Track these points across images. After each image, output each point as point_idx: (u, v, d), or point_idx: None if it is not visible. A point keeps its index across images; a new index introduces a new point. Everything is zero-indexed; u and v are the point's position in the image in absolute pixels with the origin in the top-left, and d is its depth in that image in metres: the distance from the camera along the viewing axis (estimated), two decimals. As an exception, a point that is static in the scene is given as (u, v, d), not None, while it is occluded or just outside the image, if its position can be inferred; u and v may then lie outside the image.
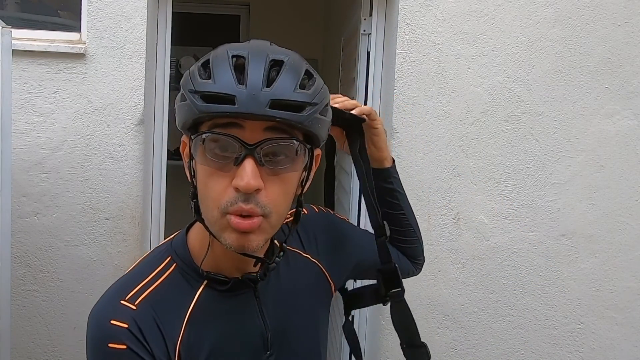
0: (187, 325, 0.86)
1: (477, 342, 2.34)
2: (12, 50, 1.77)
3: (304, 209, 1.00)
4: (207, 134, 0.78)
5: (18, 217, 2.14)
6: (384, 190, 1.17)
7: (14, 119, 1.93)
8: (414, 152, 2.24)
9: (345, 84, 2.97)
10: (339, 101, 1.09)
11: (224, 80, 0.77)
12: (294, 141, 0.79)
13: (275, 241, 0.94)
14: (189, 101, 0.78)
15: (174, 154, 4.22)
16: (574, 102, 2.27)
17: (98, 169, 2.18)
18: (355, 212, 2.42)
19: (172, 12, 2.28)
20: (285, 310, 0.95)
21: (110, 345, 0.80)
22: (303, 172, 0.85)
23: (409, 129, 2.23)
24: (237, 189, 0.77)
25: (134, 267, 0.93)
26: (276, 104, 0.76)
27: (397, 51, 2.20)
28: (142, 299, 0.85)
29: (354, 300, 1.21)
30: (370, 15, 2.35)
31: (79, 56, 2.14)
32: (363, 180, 1.09)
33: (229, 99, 0.75)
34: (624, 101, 2.28)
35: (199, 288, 0.88)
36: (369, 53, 2.36)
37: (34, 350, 2.22)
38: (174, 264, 0.90)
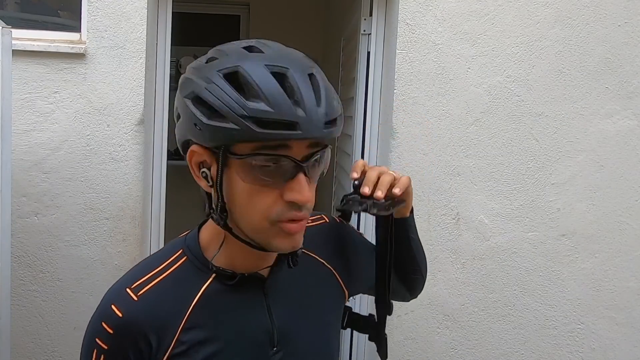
0: (191, 315, 0.88)
1: (477, 342, 2.34)
2: (12, 50, 1.77)
3: (325, 218, 1.07)
4: (252, 156, 0.78)
5: (18, 217, 2.14)
6: (399, 238, 1.11)
7: (14, 119, 1.93)
8: (414, 152, 2.24)
9: (345, 84, 2.97)
10: (372, 179, 0.97)
11: (280, 104, 0.76)
12: (329, 148, 0.84)
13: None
14: (237, 126, 0.76)
15: (174, 154, 4.23)
16: (574, 102, 2.27)
17: (98, 169, 2.18)
18: (355, 212, 2.41)
19: (172, 12, 2.29)
20: (295, 309, 0.96)
21: (102, 323, 0.87)
22: None
23: (409, 129, 2.23)
24: (291, 202, 0.80)
25: (150, 256, 0.97)
26: (329, 122, 0.79)
27: (397, 51, 2.20)
28: (147, 289, 0.88)
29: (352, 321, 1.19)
30: (370, 15, 2.35)
31: (79, 56, 2.14)
32: (384, 259, 1.08)
33: (290, 125, 0.76)
34: (624, 101, 2.28)
35: (207, 280, 0.90)
36: (369, 53, 2.36)
37: (34, 350, 2.22)
38: (185, 257, 0.92)
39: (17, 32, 2.05)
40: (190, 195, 4.34)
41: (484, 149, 2.26)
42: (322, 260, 1.03)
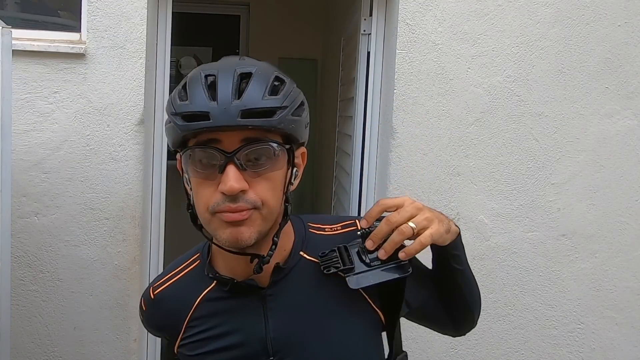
0: (192, 315, 0.98)
1: (477, 342, 2.34)
2: (12, 50, 1.77)
3: (358, 224, 0.99)
4: (189, 150, 0.86)
5: (18, 217, 2.14)
6: (440, 266, 1.03)
7: (14, 119, 1.93)
8: (414, 152, 2.24)
9: (345, 84, 2.97)
10: (381, 232, 0.91)
11: (198, 99, 0.84)
12: (271, 144, 0.85)
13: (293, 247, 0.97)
14: (172, 123, 0.87)
15: (174, 154, 4.23)
16: (574, 102, 2.27)
17: (98, 169, 2.18)
18: (355, 212, 2.42)
19: (172, 12, 2.29)
20: (302, 320, 0.94)
21: (139, 311, 1.08)
22: (288, 169, 0.90)
23: (409, 129, 2.23)
24: (223, 193, 0.84)
25: (180, 256, 1.07)
26: (247, 113, 0.83)
27: (397, 51, 2.20)
28: (162, 289, 1.02)
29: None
30: (370, 15, 2.35)
31: (79, 56, 2.14)
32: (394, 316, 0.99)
33: (204, 116, 0.83)
34: (624, 101, 2.28)
35: (209, 285, 0.97)
36: (369, 53, 2.36)
37: (34, 350, 2.22)
38: (198, 261, 1.01)
39: (17, 32, 2.05)
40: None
41: (484, 149, 2.26)
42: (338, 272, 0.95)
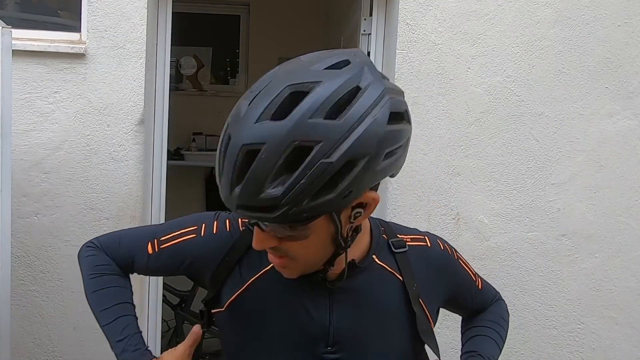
0: (267, 271, 0.96)
1: (477, 342, 2.34)
2: (12, 50, 1.77)
3: (427, 241, 1.06)
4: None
5: (18, 217, 2.14)
6: None
7: (14, 119, 1.93)
8: (414, 152, 2.23)
9: (345, 84, 2.96)
10: None
11: (217, 171, 0.81)
12: (280, 226, 0.81)
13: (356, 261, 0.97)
14: None
15: (174, 154, 4.23)
16: (574, 102, 2.27)
17: (98, 169, 2.18)
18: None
19: (172, 12, 2.29)
20: (365, 319, 0.97)
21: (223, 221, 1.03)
22: (332, 223, 0.83)
23: (409, 129, 2.22)
24: None
25: None
26: (243, 207, 0.77)
27: (397, 51, 2.20)
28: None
29: None
30: (370, 15, 2.35)
31: (79, 56, 2.13)
32: None
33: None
34: (624, 101, 2.28)
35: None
36: (369, 53, 2.36)
37: (34, 350, 2.22)
38: None
39: (17, 32, 2.05)
40: (190, 195, 4.35)
41: (484, 149, 2.26)
42: (403, 281, 1.00)
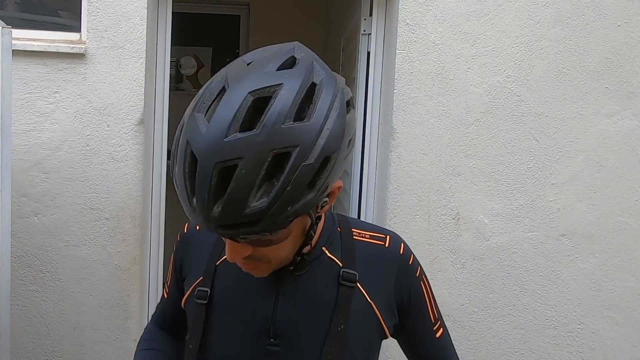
0: (221, 264, 0.99)
1: (477, 342, 2.34)
2: (12, 50, 1.77)
3: (387, 241, 1.01)
4: None
5: (18, 217, 2.14)
6: None
7: (14, 119, 1.93)
8: (414, 152, 2.24)
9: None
10: None
11: (181, 191, 0.78)
12: (262, 234, 0.78)
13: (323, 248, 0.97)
14: None
15: (174, 154, 4.23)
16: (574, 102, 2.27)
17: (98, 169, 2.18)
18: (355, 212, 2.42)
19: (172, 12, 2.29)
20: (309, 312, 0.95)
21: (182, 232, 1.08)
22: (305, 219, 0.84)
23: (409, 129, 2.23)
24: None
25: None
26: (224, 227, 0.75)
27: (397, 51, 2.20)
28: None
29: None
30: (370, 15, 2.35)
31: (79, 56, 2.14)
32: None
33: (189, 213, 0.79)
34: (624, 101, 2.28)
35: None
36: (369, 53, 2.36)
37: (34, 350, 2.22)
38: None
39: (17, 32, 2.05)
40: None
41: (484, 149, 2.26)
42: (362, 289, 0.97)
